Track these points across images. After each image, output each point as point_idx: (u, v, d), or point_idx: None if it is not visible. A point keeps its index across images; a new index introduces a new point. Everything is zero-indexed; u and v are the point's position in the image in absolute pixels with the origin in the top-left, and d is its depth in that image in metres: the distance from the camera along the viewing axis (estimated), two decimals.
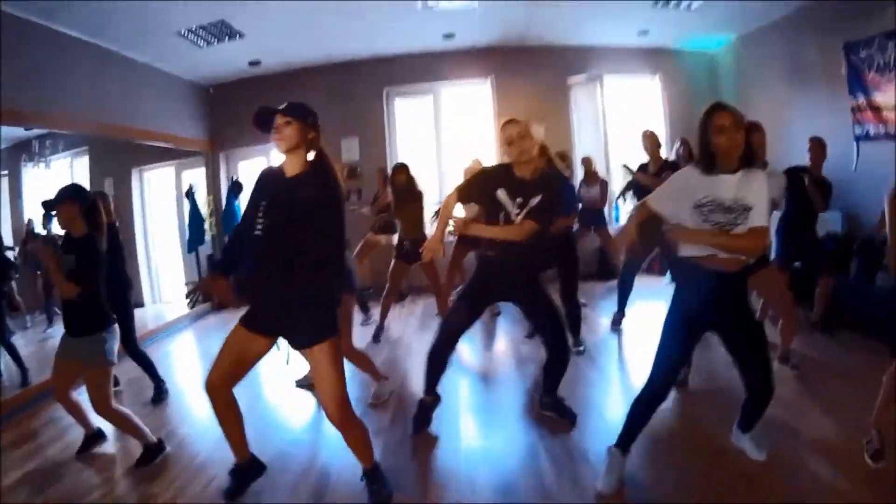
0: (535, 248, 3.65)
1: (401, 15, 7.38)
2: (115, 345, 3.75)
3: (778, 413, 3.61)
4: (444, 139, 9.45)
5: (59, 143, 6.23)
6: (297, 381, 5.00)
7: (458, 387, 4.75)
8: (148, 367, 5.13)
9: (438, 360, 3.91)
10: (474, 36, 8.62)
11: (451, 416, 4.17)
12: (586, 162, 7.95)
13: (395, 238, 6.87)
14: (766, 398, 3.05)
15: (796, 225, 5.22)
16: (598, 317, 6.63)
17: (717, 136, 2.73)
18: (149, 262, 7.92)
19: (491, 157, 7.51)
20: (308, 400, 4.77)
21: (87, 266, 3.63)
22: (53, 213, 3.72)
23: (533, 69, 9.18)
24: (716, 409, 3.82)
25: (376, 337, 6.35)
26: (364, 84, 9.26)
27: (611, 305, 6.35)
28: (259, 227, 2.84)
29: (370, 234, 7.51)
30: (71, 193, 3.71)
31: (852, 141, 6.38)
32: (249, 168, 9.43)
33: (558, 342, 3.89)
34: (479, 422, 4.13)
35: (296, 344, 2.89)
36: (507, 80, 9.03)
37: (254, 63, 8.60)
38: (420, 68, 9.22)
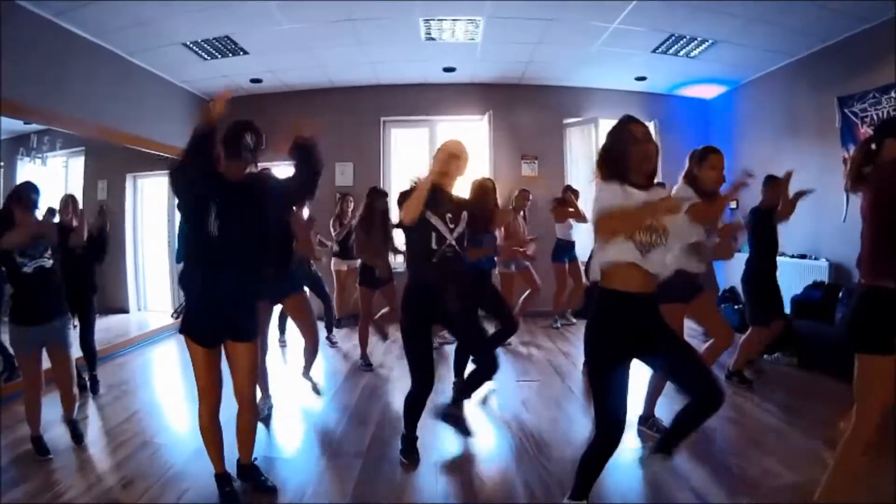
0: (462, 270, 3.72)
1: (403, 46, 7.51)
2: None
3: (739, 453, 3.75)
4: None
5: (56, 141, 6.23)
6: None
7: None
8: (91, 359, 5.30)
9: (417, 402, 3.87)
10: (474, 71, 8.74)
11: (430, 443, 4.15)
12: (565, 191, 8.10)
13: (357, 263, 6.94)
14: (717, 401, 2.70)
15: (762, 274, 5.35)
16: (580, 353, 6.66)
17: (633, 146, 2.68)
18: (136, 270, 7.90)
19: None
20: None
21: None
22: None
23: (530, 108, 9.33)
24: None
25: (367, 366, 6.29)
26: (362, 111, 9.35)
27: None
28: (210, 229, 2.98)
29: (334, 260, 7.61)
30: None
31: (842, 192, 6.40)
32: None
33: (486, 350, 3.93)
34: (456, 450, 4.11)
35: (240, 337, 3.16)
36: (504, 116, 9.11)
37: (255, 81, 8.68)
38: (418, 100, 9.34)
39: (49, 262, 3.74)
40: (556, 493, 3.36)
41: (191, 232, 3.11)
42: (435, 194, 3.53)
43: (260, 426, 3.85)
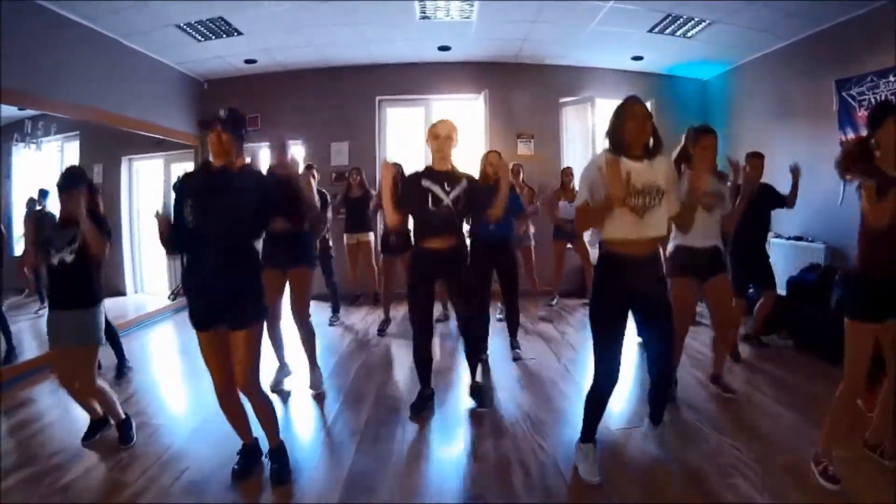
0: (461, 236, 4.20)
1: (398, 25, 7.46)
2: (103, 323, 3.85)
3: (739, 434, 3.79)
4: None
5: (51, 126, 6.20)
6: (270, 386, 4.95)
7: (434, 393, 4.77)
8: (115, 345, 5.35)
9: (422, 354, 4.26)
10: (470, 50, 8.68)
11: (425, 421, 4.21)
12: (566, 174, 8.10)
13: (370, 235, 7.20)
14: (667, 377, 3.24)
15: (748, 247, 5.45)
16: (577, 332, 6.72)
17: (630, 122, 2.95)
18: (133, 252, 7.89)
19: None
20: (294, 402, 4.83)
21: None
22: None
23: (526, 87, 9.29)
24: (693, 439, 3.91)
25: (381, 331, 6.70)
26: (357, 90, 9.31)
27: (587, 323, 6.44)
28: (193, 222, 3.07)
29: (345, 236, 7.74)
30: (82, 181, 3.77)
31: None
32: None
33: (470, 319, 4.32)
34: (451, 428, 4.13)
35: (233, 325, 3.16)
36: (499, 95, 9.08)
37: (250, 61, 8.63)
38: (414, 79, 9.30)
39: (70, 258, 3.68)
40: (552, 471, 3.41)
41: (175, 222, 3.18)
42: (427, 170, 4.11)
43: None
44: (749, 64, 8.51)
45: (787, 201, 5.53)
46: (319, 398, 4.75)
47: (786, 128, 7.59)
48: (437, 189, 3.93)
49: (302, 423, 4.31)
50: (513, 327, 5.87)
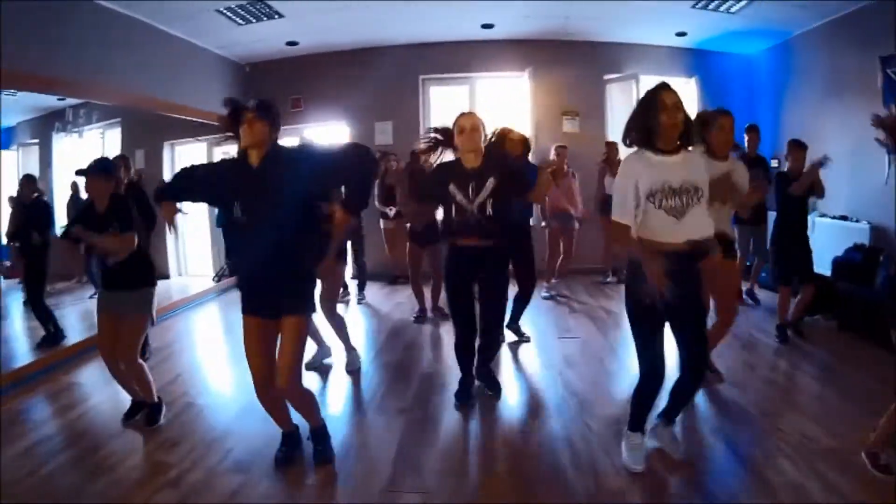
0: (505, 233, 3.93)
1: (440, 3, 7.40)
2: (154, 302, 3.94)
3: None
4: None
5: (92, 114, 6.29)
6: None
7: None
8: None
9: (464, 345, 4.11)
10: (513, 28, 8.61)
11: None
12: (611, 147, 8.03)
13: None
14: (698, 379, 3.08)
15: (790, 236, 5.33)
16: (622, 310, 6.58)
17: (661, 113, 2.76)
18: (176, 236, 7.97)
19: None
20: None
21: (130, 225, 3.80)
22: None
23: (570, 64, 9.19)
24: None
25: (418, 319, 6.53)
26: (400, 70, 9.26)
27: None
28: (240, 217, 3.02)
29: (382, 221, 7.78)
30: (104, 169, 3.83)
31: (885, 154, 6.22)
32: None
33: (492, 329, 4.13)
34: (499, 407, 4.12)
35: (284, 312, 3.08)
36: (544, 72, 9.01)
37: (291, 43, 8.65)
38: (457, 57, 9.25)
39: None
40: (599, 451, 3.40)
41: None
42: (455, 168, 3.92)
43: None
44: (794, 40, 8.30)
45: (816, 192, 5.41)
46: (363, 376, 4.77)
47: (833, 105, 7.38)
48: (460, 197, 3.78)
49: (350, 400, 4.37)
50: (517, 313, 5.66)
